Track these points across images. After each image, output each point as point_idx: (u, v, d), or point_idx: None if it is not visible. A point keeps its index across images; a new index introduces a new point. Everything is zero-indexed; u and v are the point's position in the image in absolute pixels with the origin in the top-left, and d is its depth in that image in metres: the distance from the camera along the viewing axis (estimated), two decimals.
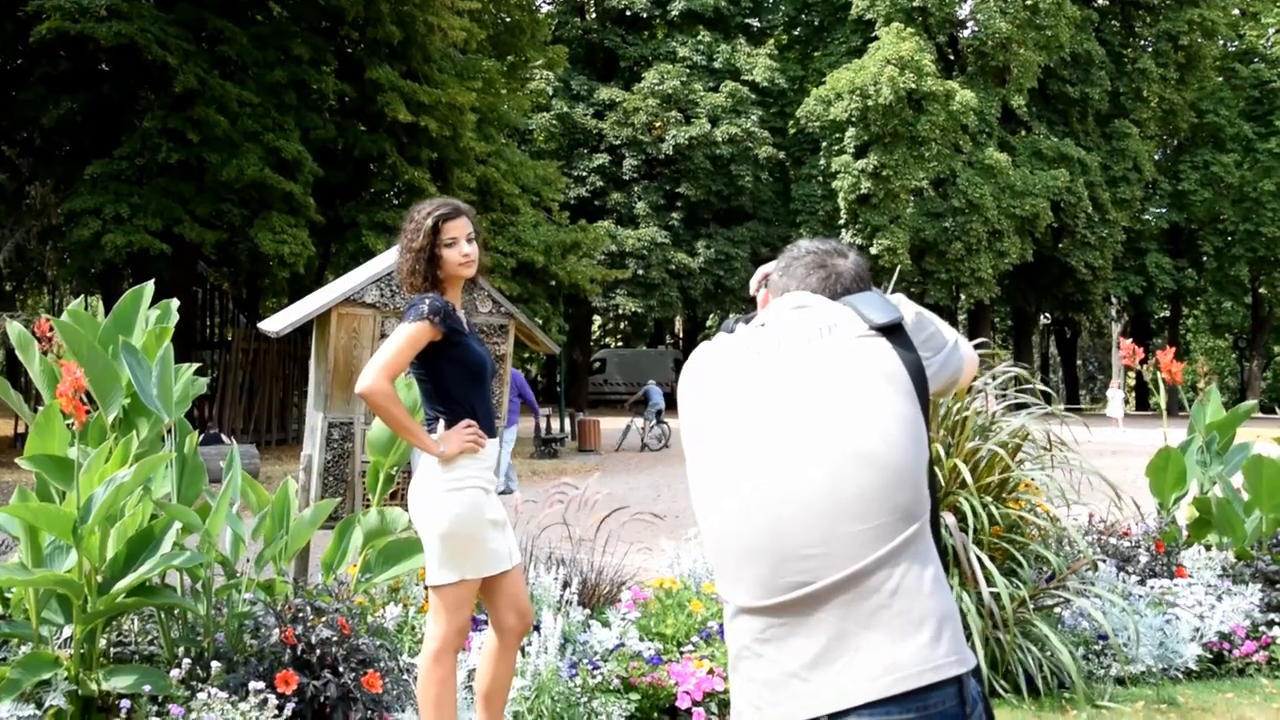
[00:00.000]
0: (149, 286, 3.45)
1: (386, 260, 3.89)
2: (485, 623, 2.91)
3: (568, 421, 19.25)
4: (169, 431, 3.27)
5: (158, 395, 3.15)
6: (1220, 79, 31.81)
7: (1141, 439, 16.34)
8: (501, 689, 2.86)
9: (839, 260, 1.62)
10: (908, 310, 1.51)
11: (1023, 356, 32.82)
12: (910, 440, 1.39)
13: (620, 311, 30.18)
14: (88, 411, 2.89)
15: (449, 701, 2.72)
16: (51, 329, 3.24)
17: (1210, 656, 4.11)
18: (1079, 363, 43.10)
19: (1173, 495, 4.91)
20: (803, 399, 1.42)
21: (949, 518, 3.71)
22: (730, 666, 1.46)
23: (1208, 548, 4.69)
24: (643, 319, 34.96)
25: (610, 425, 19.20)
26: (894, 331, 1.45)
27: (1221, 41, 31.60)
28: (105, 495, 2.79)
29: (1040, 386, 4.72)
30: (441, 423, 2.73)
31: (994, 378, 4.38)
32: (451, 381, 2.74)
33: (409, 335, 2.64)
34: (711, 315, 35.26)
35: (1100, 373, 47.98)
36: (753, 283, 1.75)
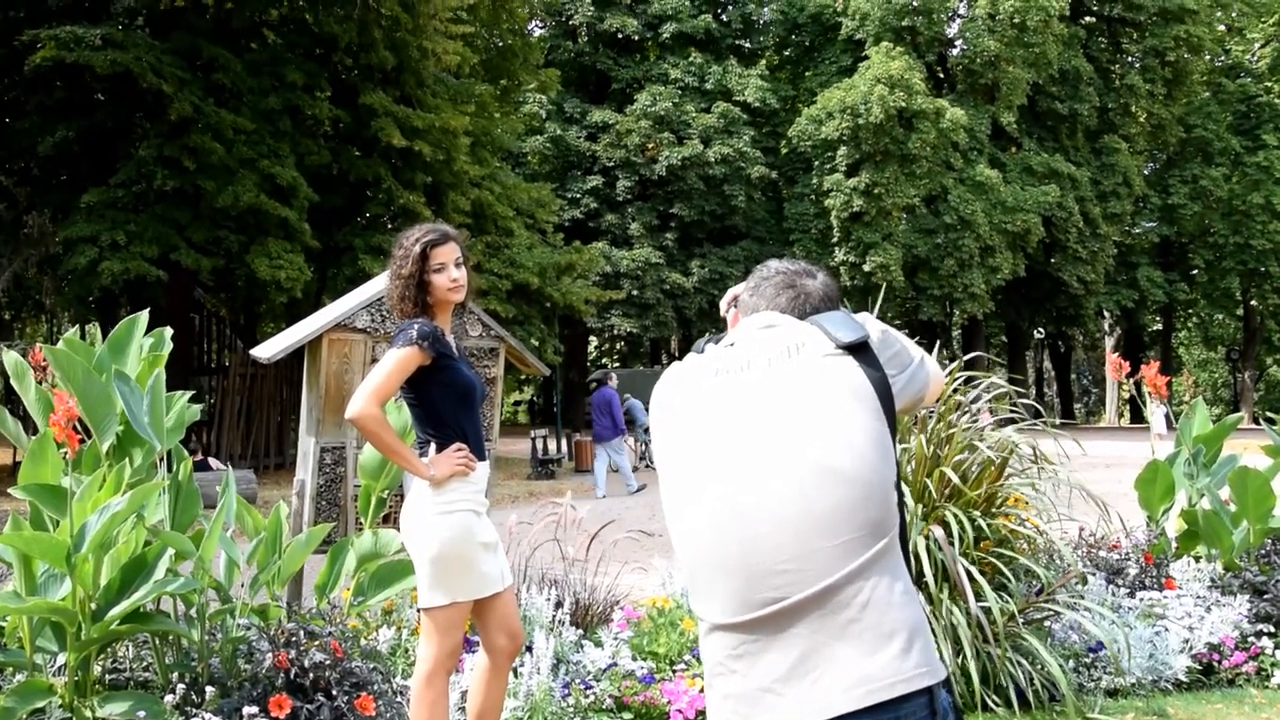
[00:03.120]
0: (143, 315, 3.49)
1: (377, 285, 3.94)
2: (478, 644, 2.93)
3: (564, 442, 19.24)
4: (162, 459, 3.30)
5: (149, 423, 3.18)
6: (1208, 94, 32.07)
7: (1136, 452, 16.35)
8: (494, 709, 2.88)
9: (808, 280, 1.65)
10: (873, 328, 1.54)
11: (1017, 371, 32.89)
12: (878, 456, 1.41)
13: (616, 332, 30.24)
14: (81, 440, 2.92)
15: None
16: (46, 358, 3.27)
17: (1200, 668, 4.12)
18: (1073, 377, 43.18)
19: (1161, 508, 4.95)
20: (771, 417, 1.44)
21: (937, 531, 3.74)
22: (706, 683, 1.48)
23: (1196, 559, 4.71)
24: (638, 339, 34.96)
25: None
26: (860, 350, 1.48)
27: (1208, 57, 31.88)
28: (99, 523, 2.82)
29: (1030, 402, 4.77)
30: (432, 446, 2.76)
31: (988, 391, 4.42)
32: (441, 405, 2.78)
33: (398, 360, 2.68)
34: (707, 334, 35.29)
35: (1095, 386, 48.05)
36: (723, 303, 1.79)
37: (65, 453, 2.86)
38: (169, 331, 3.52)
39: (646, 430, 18.72)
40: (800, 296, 1.62)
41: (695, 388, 1.54)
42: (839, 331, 1.49)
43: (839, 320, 1.52)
